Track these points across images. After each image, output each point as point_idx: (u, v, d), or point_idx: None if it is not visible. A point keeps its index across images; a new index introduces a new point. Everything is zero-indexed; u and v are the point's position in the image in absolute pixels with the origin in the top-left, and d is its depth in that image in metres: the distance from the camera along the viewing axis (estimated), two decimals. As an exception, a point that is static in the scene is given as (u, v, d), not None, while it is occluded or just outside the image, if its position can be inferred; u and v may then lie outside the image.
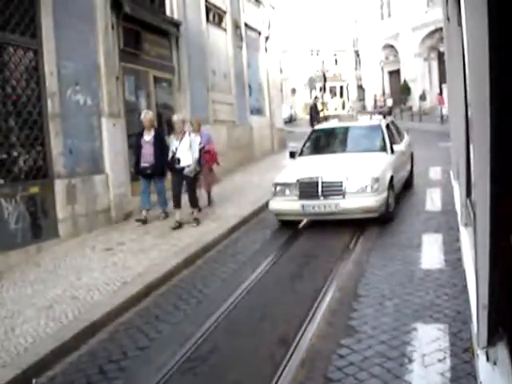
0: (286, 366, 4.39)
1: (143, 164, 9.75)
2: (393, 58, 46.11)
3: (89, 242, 8.80)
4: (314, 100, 22.86)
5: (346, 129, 11.11)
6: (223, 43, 16.18)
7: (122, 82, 10.83)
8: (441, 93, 37.82)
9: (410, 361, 4.22)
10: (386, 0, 46.36)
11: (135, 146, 10.02)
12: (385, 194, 8.60)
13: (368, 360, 4.31)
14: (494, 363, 2.01)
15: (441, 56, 36.26)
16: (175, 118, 9.82)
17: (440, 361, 4.14)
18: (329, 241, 8.43)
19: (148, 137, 9.82)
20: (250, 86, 18.23)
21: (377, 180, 8.49)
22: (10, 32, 8.05)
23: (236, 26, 16.83)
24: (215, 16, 15.74)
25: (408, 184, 11.37)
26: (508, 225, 1.95)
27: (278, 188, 9.02)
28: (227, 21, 16.36)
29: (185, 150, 9.46)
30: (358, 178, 8.57)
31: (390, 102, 40.40)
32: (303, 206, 8.62)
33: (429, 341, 4.51)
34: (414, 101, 39.87)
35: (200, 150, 9.77)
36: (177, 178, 9.60)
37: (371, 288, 6.05)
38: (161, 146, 9.78)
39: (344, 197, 8.45)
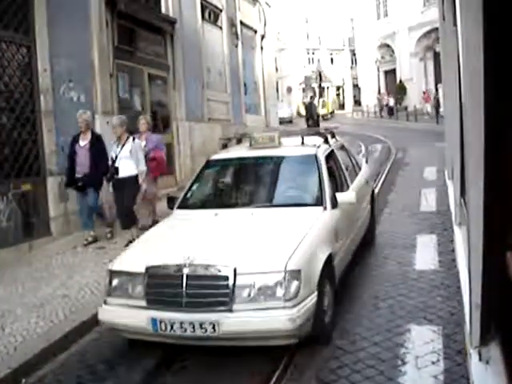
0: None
1: (77, 175, 8.21)
2: (389, 57, 46.14)
3: (81, 241, 8.73)
4: (310, 99, 22.49)
5: (259, 162, 6.51)
6: (219, 41, 16.13)
7: (116, 79, 10.76)
8: (425, 93, 38.65)
9: (404, 363, 4.18)
10: (382, -1, 46.44)
11: (68, 153, 8.41)
12: (311, 300, 4.37)
13: (361, 362, 4.27)
14: (487, 363, 2.01)
15: (437, 56, 36.25)
16: (114, 120, 8.30)
17: (434, 363, 4.10)
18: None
19: (83, 142, 8.26)
20: (245, 85, 18.18)
21: (295, 274, 4.28)
22: (3, 28, 7.99)
23: (232, 24, 16.77)
24: (211, 14, 15.68)
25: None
26: (501, 225, 1.94)
27: (116, 281, 4.71)
28: (223, 19, 16.30)
29: (125, 158, 8.01)
30: (258, 270, 4.35)
31: (391, 102, 40.21)
32: (154, 323, 4.31)
33: (422, 343, 4.47)
34: (410, 100, 39.89)
35: (144, 157, 8.37)
36: (118, 193, 8.20)
37: (365, 289, 6.01)
38: (98, 152, 8.20)
39: (230, 308, 4.22)
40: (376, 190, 11.49)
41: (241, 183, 6.68)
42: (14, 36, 8.22)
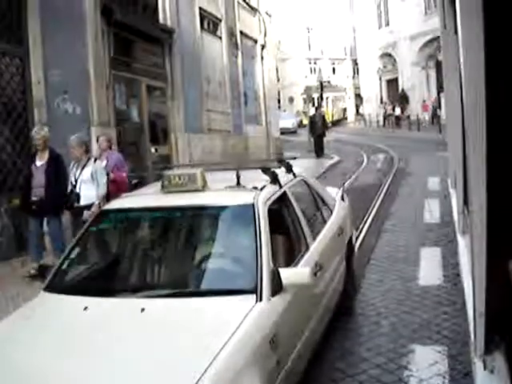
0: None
1: (32, 198, 7.03)
2: (391, 66, 46.02)
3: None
4: (316, 110, 22.18)
5: (167, 216, 4.40)
6: (218, 51, 15.98)
7: (113, 90, 10.59)
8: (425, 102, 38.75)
9: (407, 387, 3.96)
10: (383, 8, 46.30)
11: (24, 175, 7.51)
12: None
13: (362, 386, 4.04)
14: (491, 371, 1.99)
15: (439, 65, 36.01)
16: (72, 140, 7.21)
17: (439, 387, 3.87)
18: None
19: (40, 161, 7.12)
20: (245, 95, 18.02)
21: None
22: (-5, 39, 7.83)
23: (231, 34, 16.64)
24: (210, 24, 15.54)
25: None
26: (504, 233, 1.94)
27: None
28: (222, 29, 16.17)
29: (87, 183, 6.98)
30: None
31: (397, 111, 39.73)
32: None
33: (427, 364, 4.24)
34: (412, 110, 39.73)
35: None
36: (75, 222, 7.03)
37: (367, 305, 5.78)
38: (56, 174, 7.06)
39: None
40: (378, 202, 11.37)
41: (135, 252, 4.32)
42: (6, 47, 8.07)
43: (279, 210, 4.28)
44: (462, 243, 3.90)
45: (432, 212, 10.11)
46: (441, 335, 4.78)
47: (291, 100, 56.61)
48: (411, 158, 19.36)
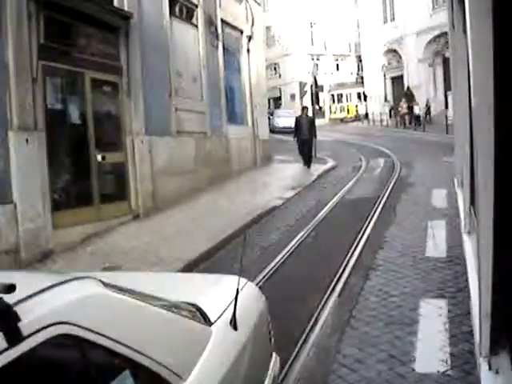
0: None
1: None
2: (396, 63, 44.03)
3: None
4: (302, 111, 18.10)
5: None
6: (193, 41, 13.91)
7: (43, 85, 8.59)
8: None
9: None
10: (389, 2, 44.32)
11: None
12: None
13: None
14: (497, 372, 2.01)
15: (446, 61, 34.10)
16: None
17: None
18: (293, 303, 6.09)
19: None
20: (227, 92, 15.97)
21: None
22: None
23: (210, 23, 14.56)
24: (183, 9, 13.46)
25: None
26: (511, 233, 1.96)
27: None
28: (199, 16, 14.07)
29: None
30: None
31: (417, 109, 35.37)
32: None
33: None
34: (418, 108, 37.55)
35: None
36: None
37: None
38: None
39: None
40: (371, 224, 9.33)
41: None
42: None
43: None
44: (468, 244, 3.96)
45: (436, 241, 8.06)
46: None
47: (293, 97, 54.51)
48: (414, 163, 17.28)
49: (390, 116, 41.45)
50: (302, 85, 20.82)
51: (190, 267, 7.71)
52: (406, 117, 35.92)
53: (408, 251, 7.69)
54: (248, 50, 17.27)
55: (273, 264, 7.56)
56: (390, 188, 12.84)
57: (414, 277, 6.59)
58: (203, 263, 8.04)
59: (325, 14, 54.74)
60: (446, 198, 11.14)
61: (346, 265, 7.22)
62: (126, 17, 10.57)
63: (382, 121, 41.14)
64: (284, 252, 8.14)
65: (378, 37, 44.87)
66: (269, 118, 42.22)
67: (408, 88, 40.69)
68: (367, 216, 9.87)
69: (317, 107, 56.06)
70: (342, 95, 52.25)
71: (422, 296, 5.96)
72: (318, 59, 56.91)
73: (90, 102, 9.65)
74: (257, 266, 7.50)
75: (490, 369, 2.06)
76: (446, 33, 30.13)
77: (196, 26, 14.03)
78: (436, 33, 36.38)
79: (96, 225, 9.59)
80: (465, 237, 4.40)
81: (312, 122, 18.04)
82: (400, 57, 43.16)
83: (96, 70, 9.85)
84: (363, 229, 9.00)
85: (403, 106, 36.41)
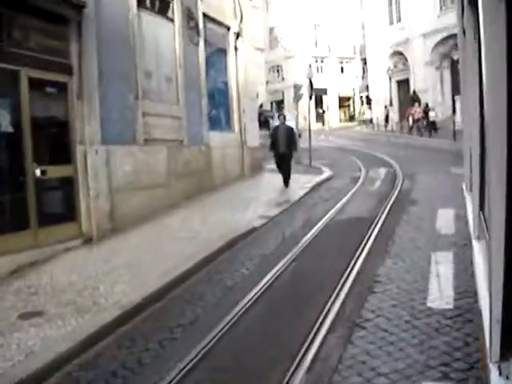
0: None
1: None
2: (402, 66, 42.43)
3: None
4: (279, 118, 15.38)
5: None
6: (168, 37, 12.29)
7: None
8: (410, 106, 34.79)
9: None
10: (395, 3, 42.78)
11: None
12: None
13: None
14: (507, 378, 2.04)
15: (454, 64, 32.47)
16: None
17: None
18: None
19: None
20: (211, 94, 14.35)
21: None
22: None
23: (189, 17, 12.95)
24: (155, 1, 11.85)
25: None
26: None
27: None
28: (175, 8, 12.44)
29: None
30: None
31: (432, 115, 32.53)
32: None
33: None
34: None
35: None
36: None
37: None
38: None
39: None
40: (360, 259, 7.65)
41: None
42: None
43: None
44: (478, 249, 3.75)
45: (441, 284, 6.41)
46: None
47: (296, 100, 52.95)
48: (418, 175, 15.61)
49: (386, 122, 39.77)
50: (297, 87, 19.17)
51: (129, 315, 6.11)
52: (419, 123, 33.34)
53: (405, 299, 6.04)
54: (236, 48, 15.61)
55: (232, 315, 5.93)
56: (389, 206, 11.17)
57: (411, 342, 4.92)
58: (149, 308, 6.40)
59: (329, 15, 53.44)
60: (453, 221, 9.49)
61: (324, 319, 5.57)
62: (78, 6, 8.96)
63: (386, 126, 39.65)
64: (250, 295, 6.51)
65: (384, 39, 43.44)
66: (268, 122, 41.15)
67: (414, 92, 39.06)
68: (359, 244, 8.24)
69: (320, 111, 54.99)
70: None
71: (421, 377, 4.32)
72: (322, 61, 55.47)
73: (27, 105, 8.04)
74: (211, 318, 5.90)
75: (500, 374, 2.04)
76: (454, 35, 28.64)
77: (172, 20, 12.41)
78: (444, 35, 35.09)
79: (33, 252, 8.01)
80: (474, 242, 4.33)
81: (291, 132, 14.40)
82: (406, 59, 41.72)
83: (36, 68, 8.25)
84: (353, 262, 7.36)
85: (417, 111, 34.28)
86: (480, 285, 3.21)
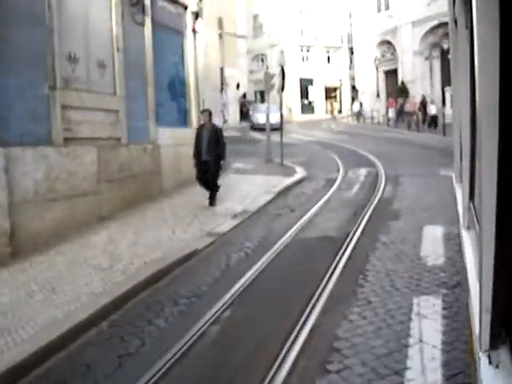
0: None
1: None
2: (390, 55, 40.58)
3: None
4: (203, 114, 11.36)
5: None
6: (102, 14, 10.16)
7: None
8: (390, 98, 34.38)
9: None
10: (383, -11, 40.81)
11: None
12: None
13: None
14: (497, 366, 2.02)
15: (444, 54, 30.74)
16: None
17: None
18: None
19: None
20: (162, 84, 12.28)
21: None
22: None
23: (131, -9, 10.85)
24: (83, -33, 9.73)
25: None
26: None
27: None
28: (112, -20, 10.35)
29: None
30: None
31: (433, 109, 30.31)
32: None
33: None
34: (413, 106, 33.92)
35: None
36: None
37: None
38: None
39: None
40: (319, 305, 5.65)
41: None
42: None
43: None
44: (467, 239, 3.64)
45: (425, 352, 4.47)
46: None
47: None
48: (403, 177, 13.68)
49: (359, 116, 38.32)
50: (267, 76, 17.08)
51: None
52: (415, 116, 31.07)
53: (374, 381, 4.08)
54: (194, 31, 13.50)
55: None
56: (365, 221, 9.22)
57: None
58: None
59: (315, 1, 51.17)
60: (442, 245, 7.58)
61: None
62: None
63: (373, 118, 37.76)
64: (161, 364, 4.51)
65: (371, 27, 41.74)
66: (248, 113, 39.01)
67: (402, 83, 37.21)
68: (321, 280, 6.29)
69: (306, 102, 52.95)
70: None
71: None
72: (308, 51, 53.40)
73: None
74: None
75: (489, 363, 2.06)
76: (444, 23, 26.78)
77: (108, -6, 10.31)
78: (434, 23, 33.79)
79: None
80: (463, 232, 3.99)
81: (217, 134, 10.77)
82: (394, 49, 39.92)
83: None
84: (305, 315, 5.38)
85: (416, 103, 32.38)
86: (469, 273, 3.06)
